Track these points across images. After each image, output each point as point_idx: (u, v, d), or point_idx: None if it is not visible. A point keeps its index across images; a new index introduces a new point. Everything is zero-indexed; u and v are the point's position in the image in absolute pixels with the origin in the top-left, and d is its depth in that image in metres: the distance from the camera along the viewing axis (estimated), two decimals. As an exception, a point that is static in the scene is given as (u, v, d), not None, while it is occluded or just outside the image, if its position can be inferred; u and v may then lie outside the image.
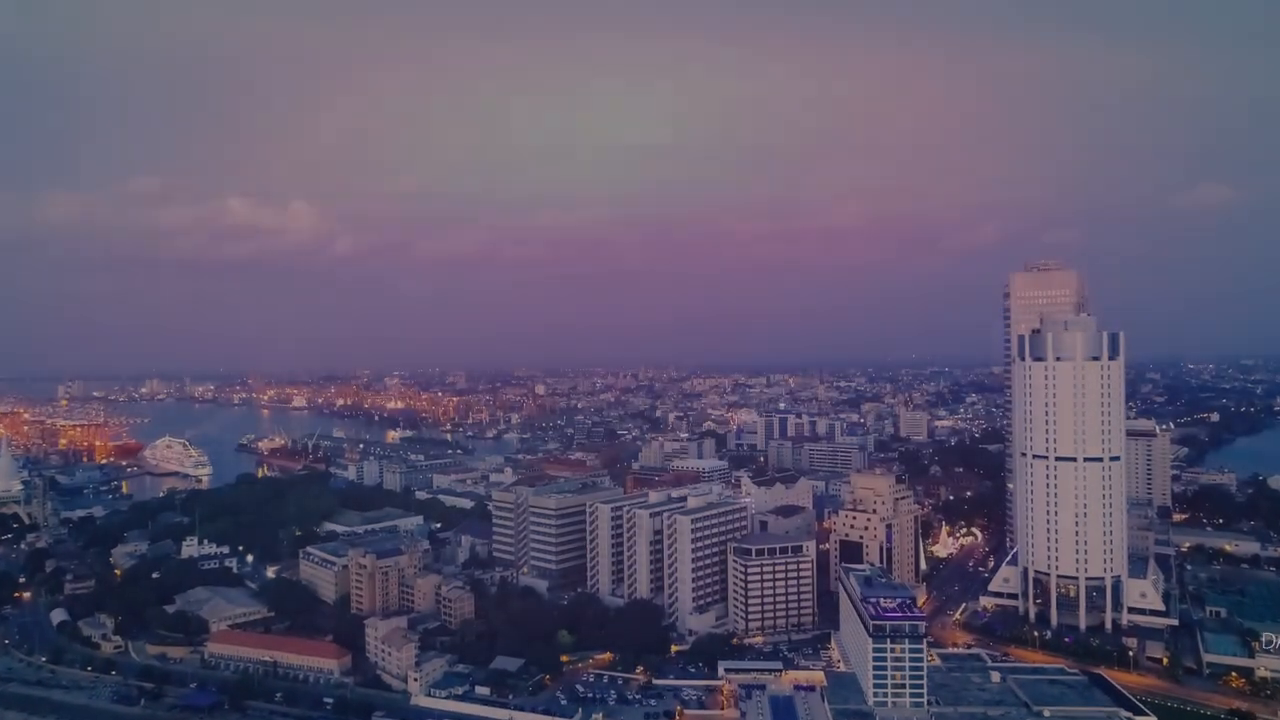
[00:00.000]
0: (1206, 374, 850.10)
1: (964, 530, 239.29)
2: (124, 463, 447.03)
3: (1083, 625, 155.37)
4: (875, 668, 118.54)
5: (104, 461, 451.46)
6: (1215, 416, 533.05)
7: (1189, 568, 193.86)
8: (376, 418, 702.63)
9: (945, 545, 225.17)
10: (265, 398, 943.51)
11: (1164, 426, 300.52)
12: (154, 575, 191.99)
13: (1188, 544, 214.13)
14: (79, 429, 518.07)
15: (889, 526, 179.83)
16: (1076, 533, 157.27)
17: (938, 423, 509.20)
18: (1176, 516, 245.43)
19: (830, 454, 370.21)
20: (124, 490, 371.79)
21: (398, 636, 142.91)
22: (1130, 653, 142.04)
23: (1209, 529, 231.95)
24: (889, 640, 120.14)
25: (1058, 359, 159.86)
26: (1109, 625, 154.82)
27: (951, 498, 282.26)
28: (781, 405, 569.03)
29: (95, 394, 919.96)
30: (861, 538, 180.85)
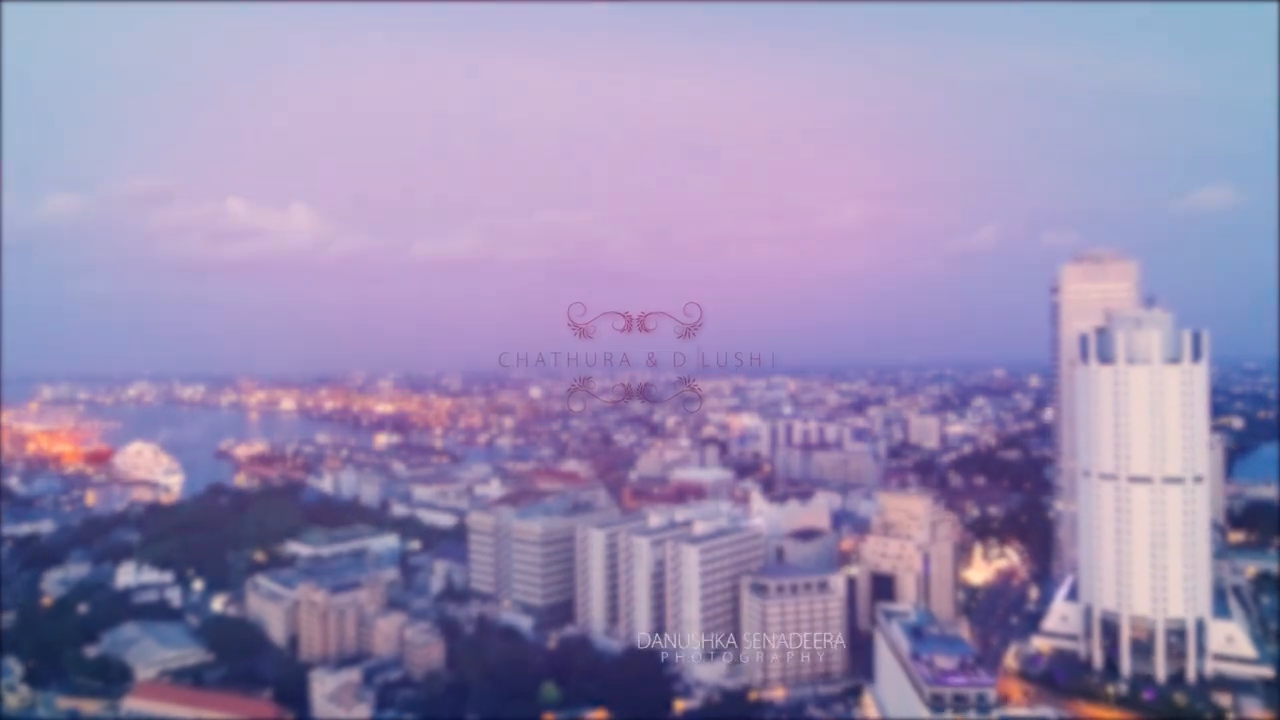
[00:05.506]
0: (1213, 378, 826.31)
1: (998, 552, 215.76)
2: (91, 470, 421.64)
3: (1161, 675, 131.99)
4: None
5: (71, 469, 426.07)
6: (1238, 423, 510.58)
7: (1264, 600, 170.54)
8: (365, 422, 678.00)
9: (980, 570, 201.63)
10: (254, 400, 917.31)
11: (1216, 436, 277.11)
12: (81, 608, 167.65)
13: (1252, 570, 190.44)
14: (46, 434, 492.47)
15: (926, 555, 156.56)
16: (1153, 566, 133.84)
17: (949, 429, 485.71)
18: (1233, 536, 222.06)
19: (841, 463, 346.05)
20: (88, 501, 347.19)
21: (348, 695, 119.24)
22: (1230, 715, 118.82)
23: (1272, 551, 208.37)
24: (950, 711, 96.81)
25: (1129, 362, 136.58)
26: (1191, 675, 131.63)
27: (978, 513, 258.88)
28: (787, 410, 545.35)
29: (81, 396, 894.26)
30: (894, 568, 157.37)
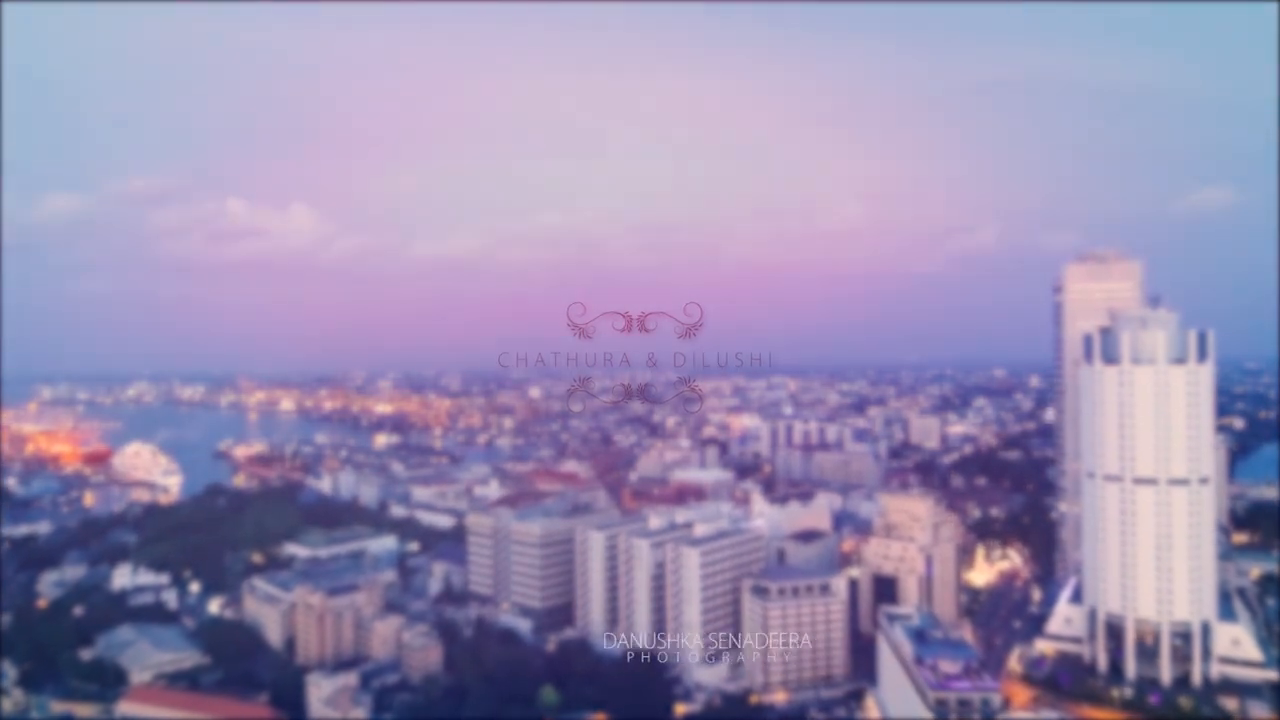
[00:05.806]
0: (1215, 378, 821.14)
1: (1000, 554, 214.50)
2: (89, 471, 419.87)
3: (1166, 679, 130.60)
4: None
5: (69, 470, 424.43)
6: (1240, 423, 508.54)
7: (1269, 602, 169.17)
8: (364, 422, 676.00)
9: (982, 571, 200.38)
10: (253, 401, 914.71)
11: (1220, 436, 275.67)
12: (77, 610, 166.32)
13: (1256, 571, 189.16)
14: (45, 434, 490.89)
15: (928, 557, 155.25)
16: (1158, 568, 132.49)
17: (950, 429, 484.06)
18: (1236, 538, 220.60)
19: (842, 463, 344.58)
20: (86, 502, 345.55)
21: (345, 699, 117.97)
22: (1236, 719, 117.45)
23: (1275, 553, 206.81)
24: (954, 715, 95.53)
25: (1134, 362, 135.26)
26: (1197, 679, 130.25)
27: (980, 514, 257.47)
28: (788, 410, 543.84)
29: (80, 396, 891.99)
30: (896, 570, 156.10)
